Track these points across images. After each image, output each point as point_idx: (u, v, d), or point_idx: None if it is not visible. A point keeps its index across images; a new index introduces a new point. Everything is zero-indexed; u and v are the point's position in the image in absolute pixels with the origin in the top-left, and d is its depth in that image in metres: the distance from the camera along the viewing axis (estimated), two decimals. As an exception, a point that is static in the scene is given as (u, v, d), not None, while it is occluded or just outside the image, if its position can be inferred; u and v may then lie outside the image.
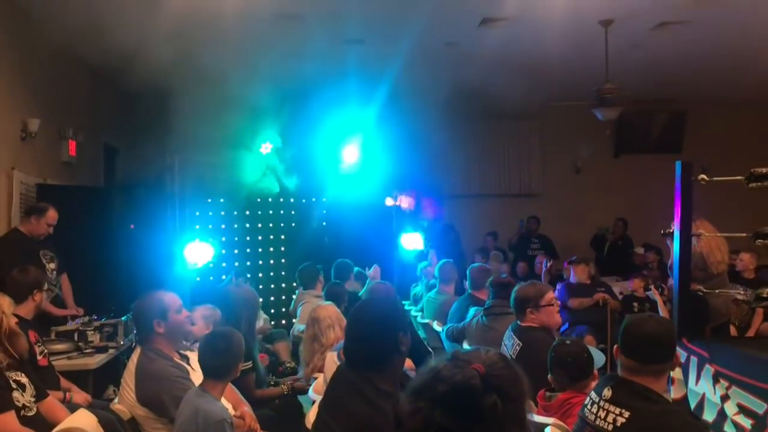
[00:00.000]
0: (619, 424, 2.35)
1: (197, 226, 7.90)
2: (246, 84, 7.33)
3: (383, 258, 8.52)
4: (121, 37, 6.02)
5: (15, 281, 4.27)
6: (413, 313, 6.74)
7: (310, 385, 3.77)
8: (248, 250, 8.77)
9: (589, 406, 2.50)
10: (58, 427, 2.93)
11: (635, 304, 6.97)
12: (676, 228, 4.75)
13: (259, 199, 8.89)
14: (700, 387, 4.52)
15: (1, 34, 6.02)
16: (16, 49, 6.29)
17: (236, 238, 8.68)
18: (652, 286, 6.85)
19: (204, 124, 6.87)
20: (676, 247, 4.75)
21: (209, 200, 8.15)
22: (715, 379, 4.32)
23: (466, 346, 4.70)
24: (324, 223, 9.56)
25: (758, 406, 3.91)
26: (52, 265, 5.52)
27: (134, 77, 6.54)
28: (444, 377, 1.40)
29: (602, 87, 7.12)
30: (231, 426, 2.88)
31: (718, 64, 8.45)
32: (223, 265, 8.06)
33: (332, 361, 3.17)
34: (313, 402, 3.16)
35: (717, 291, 5.71)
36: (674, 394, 4.78)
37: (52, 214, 5.41)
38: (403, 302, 7.58)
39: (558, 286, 7.16)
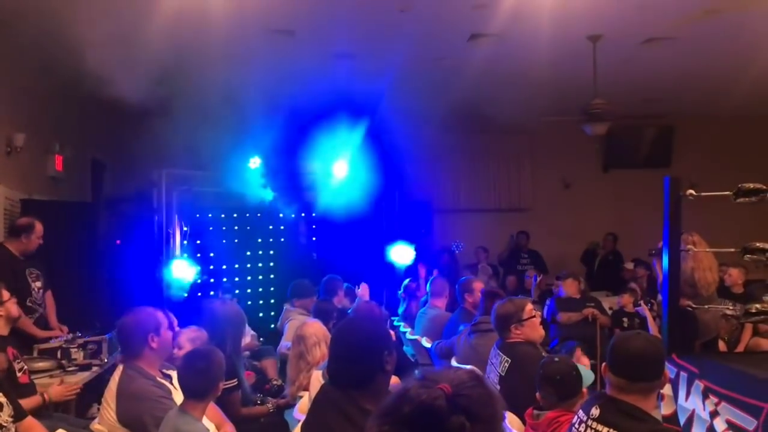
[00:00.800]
0: (607, 443, 2.32)
1: (185, 242, 7.85)
2: (235, 99, 7.32)
3: (373, 274, 8.50)
4: (109, 52, 5.98)
5: None
6: (401, 329, 6.69)
7: (295, 403, 3.72)
8: (236, 266, 8.72)
9: (577, 425, 2.47)
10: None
11: (625, 319, 6.96)
12: (664, 243, 4.75)
13: (247, 214, 8.86)
14: (690, 403, 4.49)
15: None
16: (0, 64, 6.25)
17: (224, 254, 8.63)
18: (641, 302, 6.85)
19: (192, 139, 6.83)
20: (665, 262, 4.75)
21: (197, 215, 8.10)
22: (705, 395, 4.29)
23: (454, 363, 4.66)
24: (313, 239, 9.54)
25: (748, 422, 3.88)
26: (38, 284, 5.44)
27: (122, 92, 6.49)
28: (409, 398, 1.33)
29: (591, 102, 7.13)
30: (212, 447, 2.83)
31: (706, 80, 8.49)
32: (211, 281, 8.01)
33: (317, 379, 3.13)
34: (299, 421, 3.11)
35: (706, 306, 5.71)
36: (664, 410, 4.75)
37: (39, 228, 5.36)
38: (392, 318, 7.54)
39: (548, 302, 7.15)
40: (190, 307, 5.31)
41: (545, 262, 10.16)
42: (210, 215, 8.41)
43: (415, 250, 8.78)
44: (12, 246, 5.31)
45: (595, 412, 2.41)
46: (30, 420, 3.39)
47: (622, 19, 6.25)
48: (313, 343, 3.82)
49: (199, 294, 7.42)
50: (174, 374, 3.39)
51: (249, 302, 8.59)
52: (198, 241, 8.09)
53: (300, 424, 2.71)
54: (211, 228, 8.50)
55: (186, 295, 7.22)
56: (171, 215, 7.57)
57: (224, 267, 8.54)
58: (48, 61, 6.81)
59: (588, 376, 3.18)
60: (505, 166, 11.47)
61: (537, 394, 3.16)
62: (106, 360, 4.91)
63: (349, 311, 5.86)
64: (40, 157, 7.14)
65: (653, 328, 6.43)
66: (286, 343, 5.24)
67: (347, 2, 5.83)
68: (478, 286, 5.66)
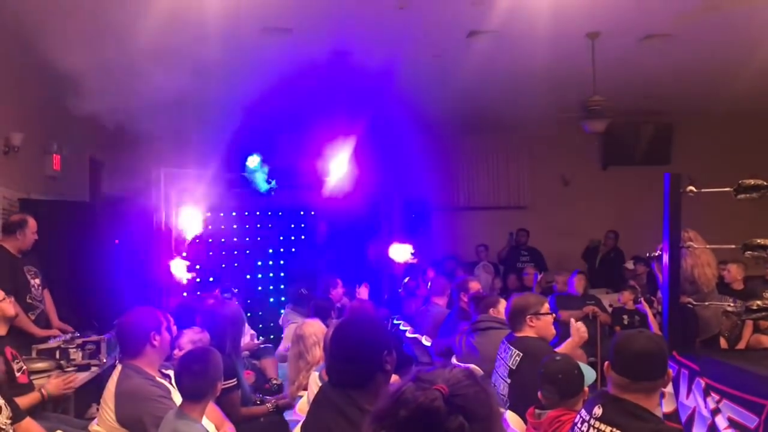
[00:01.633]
0: (609, 442, 2.30)
1: (185, 241, 7.83)
2: (233, 96, 7.29)
3: (374, 272, 8.49)
4: (105, 50, 5.95)
5: None
6: (401, 328, 6.68)
7: (295, 403, 3.70)
8: (236, 265, 8.70)
9: (579, 425, 2.45)
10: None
11: (625, 316, 6.96)
12: (665, 240, 4.74)
13: (246, 213, 8.84)
14: (691, 401, 4.48)
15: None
16: (-2, 63, 6.23)
17: (223, 253, 8.62)
18: (641, 299, 6.85)
19: (191, 136, 6.81)
20: (665, 259, 4.74)
21: (197, 214, 8.08)
22: (706, 393, 4.28)
23: (454, 361, 4.64)
24: (313, 237, 9.53)
25: (749, 419, 3.87)
26: (37, 281, 5.43)
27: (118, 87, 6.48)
28: (405, 401, 1.31)
29: (589, 99, 7.12)
30: (210, 448, 2.81)
31: (705, 77, 8.48)
32: (211, 279, 7.99)
33: (314, 382, 3.11)
34: (298, 421, 3.09)
35: (706, 303, 5.71)
36: (665, 407, 4.74)
37: (32, 223, 5.34)
38: (393, 317, 7.53)
39: (547, 299, 7.13)
40: (189, 307, 5.28)
41: (544, 260, 10.15)
42: (209, 214, 8.38)
43: (415, 248, 8.78)
44: (8, 244, 5.29)
45: (597, 411, 2.39)
46: (28, 421, 3.38)
47: (621, 16, 6.23)
48: (312, 343, 3.80)
49: (198, 293, 7.40)
50: (173, 373, 3.37)
51: (248, 301, 8.59)
52: (197, 241, 8.07)
53: (299, 425, 2.69)
54: (210, 227, 8.48)
55: (186, 294, 7.21)
56: (170, 214, 7.55)
57: (223, 266, 8.53)
58: (45, 61, 6.78)
59: (590, 374, 3.16)
60: (504, 164, 11.46)
61: (539, 393, 3.14)
62: (104, 360, 4.90)
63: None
64: (38, 157, 7.11)
65: (653, 325, 6.42)
66: (285, 344, 5.23)
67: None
68: (475, 285, 5.65)
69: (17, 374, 3.93)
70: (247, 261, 8.80)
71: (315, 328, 3.94)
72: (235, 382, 3.95)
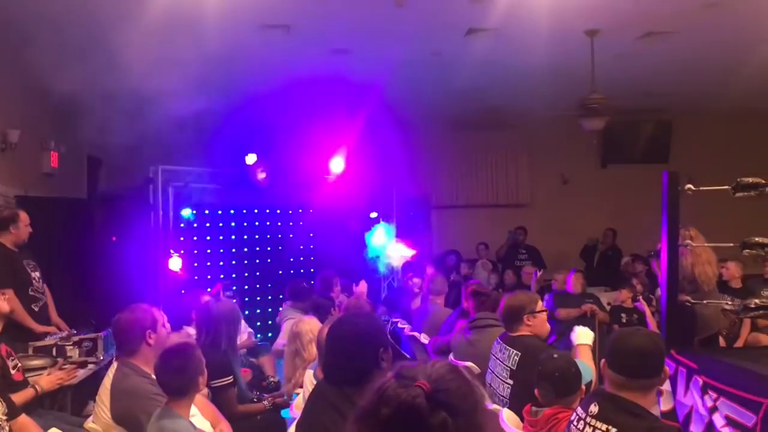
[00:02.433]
0: (606, 441, 2.29)
1: (182, 238, 7.82)
2: (230, 94, 7.27)
3: (370, 270, 8.47)
4: (103, 44, 5.94)
5: None
6: (400, 326, 6.67)
7: (292, 400, 3.69)
8: (233, 262, 8.69)
9: (575, 423, 2.44)
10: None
11: (623, 315, 6.94)
12: (663, 237, 4.73)
13: (244, 211, 8.82)
14: (689, 399, 4.47)
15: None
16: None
17: (221, 250, 8.60)
18: (639, 297, 6.84)
19: (188, 134, 6.79)
20: (664, 257, 4.73)
21: (194, 212, 8.07)
22: (704, 391, 4.27)
23: (451, 359, 4.63)
24: (311, 235, 9.52)
25: (747, 418, 3.86)
26: (37, 273, 5.43)
27: (116, 87, 6.46)
28: (387, 398, 1.29)
29: (588, 97, 7.10)
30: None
31: (704, 74, 8.47)
32: (209, 277, 7.98)
33: (309, 379, 3.10)
34: (295, 419, 3.08)
35: (705, 301, 5.70)
36: (663, 406, 4.74)
37: (24, 216, 5.33)
38: (391, 315, 7.52)
39: (546, 297, 7.13)
40: (185, 305, 5.28)
41: (543, 258, 10.15)
42: (207, 211, 8.37)
43: (414, 246, 8.77)
44: (4, 240, 5.28)
45: (593, 409, 2.38)
46: (23, 418, 3.37)
47: (620, 13, 6.21)
48: (308, 340, 3.79)
49: (194, 290, 7.39)
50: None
51: (246, 299, 8.58)
52: (195, 238, 8.06)
53: (295, 422, 2.68)
54: (208, 224, 8.47)
55: (183, 291, 7.20)
56: (167, 211, 7.53)
57: (221, 264, 8.52)
58: (39, 57, 6.77)
59: (587, 372, 3.15)
60: (504, 162, 11.45)
61: (535, 391, 3.13)
62: (101, 357, 4.89)
63: None
64: (35, 154, 7.10)
65: (651, 323, 6.42)
66: (281, 340, 5.22)
67: (343, -4, 5.80)
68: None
69: (12, 372, 3.92)
70: (245, 258, 8.78)
71: (311, 326, 3.93)
72: (231, 380, 3.94)
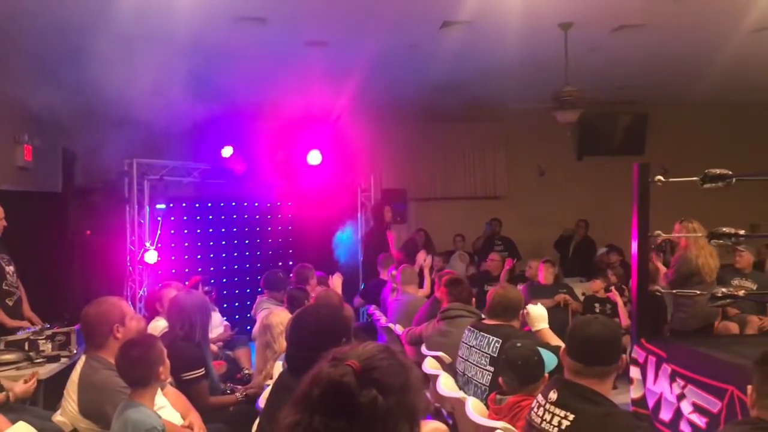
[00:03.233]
0: (563, 426, 2.34)
1: (158, 232, 7.80)
2: (206, 87, 7.24)
3: (347, 262, 8.50)
4: (75, 35, 5.89)
5: None
6: (376, 317, 6.71)
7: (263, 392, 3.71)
8: (211, 256, 8.68)
9: (535, 409, 2.49)
10: (-4, 441, 2.84)
11: (596, 305, 7.02)
12: (634, 228, 4.80)
13: (222, 204, 8.81)
14: (658, 386, 4.55)
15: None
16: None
17: (199, 243, 8.59)
18: (612, 287, 6.92)
19: (164, 127, 6.76)
20: (634, 247, 4.80)
21: (171, 205, 8.05)
22: (672, 379, 4.35)
23: (424, 349, 4.67)
24: (290, 228, 9.52)
25: (712, 404, 3.95)
26: (11, 268, 5.39)
27: (91, 78, 6.41)
28: (318, 379, 1.32)
29: (562, 90, 7.15)
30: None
31: (677, 67, 8.55)
32: (186, 270, 7.97)
33: (278, 371, 3.12)
34: (264, 410, 3.11)
35: (674, 291, 5.80)
36: (633, 393, 4.82)
37: None
38: (368, 306, 7.55)
39: (520, 287, 7.19)
40: (156, 297, 5.28)
41: (518, 249, 10.23)
42: (184, 204, 8.35)
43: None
44: None
45: (553, 396, 2.43)
46: (-7, 412, 3.36)
47: (592, 6, 6.25)
48: (279, 333, 3.80)
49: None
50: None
51: (225, 292, 8.58)
52: (172, 231, 8.04)
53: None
54: (185, 218, 8.45)
55: (160, 285, 7.19)
56: (143, 205, 7.51)
57: (199, 257, 8.51)
58: (12, 50, 6.70)
59: (551, 360, 3.20)
60: (481, 154, 11.50)
61: (499, 379, 3.18)
62: (75, 351, 4.86)
63: None
64: (9, 147, 7.04)
65: (623, 313, 6.51)
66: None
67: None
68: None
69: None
70: (222, 251, 8.77)
71: (282, 318, 3.94)
72: (204, 372, 3.95)
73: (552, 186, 11.43)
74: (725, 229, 4.52)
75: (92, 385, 3.12)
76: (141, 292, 7.10)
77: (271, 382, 3.69)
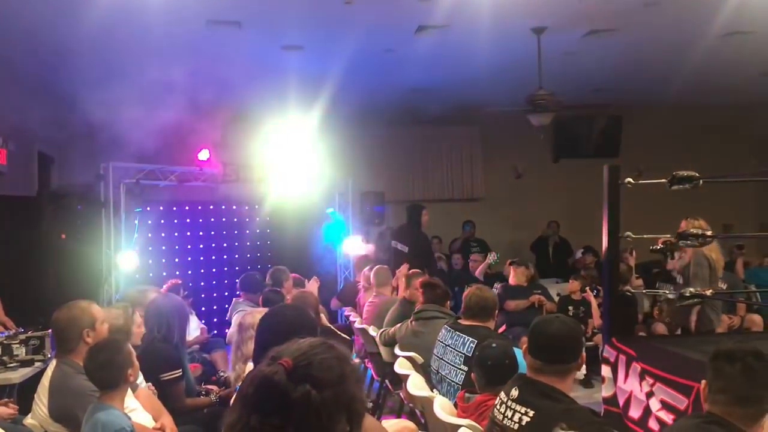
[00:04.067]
0: (524, 423, 2.39)
1: (135, 236, 7.77)
2: (182, 90, 7.23)
3: (324, 265, 8.53)
4: (49, 39, 5.87)
5: None
6: (351, 319, 6.74)
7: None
8: (189, 258, 8.67)
9: (498, 406, 2.55)
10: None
11: (570, 307, 7.10)
12: (604, 229, 4.87)
13: (200, 207, 8.80)
14: (629, 385, 4.62)
15: None
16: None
17: (176, 247, 8.57)
18: (587, 288, 7.01)
19: (140, 130, 6.75)
20: (604, 247, 4.87)
21: (148, 208, 8.03)
22: (641, 377, 4.43)
23: (397, 350, 4.72)
24: (268, 231, 9.53)
25: (679, 401, 4.02)
26: None
27: (66, 82, 6.40)
28: (252, 378, 1.34)
29: (535, 93, 7.24)
30: (132, 432, 2.85)
31: (648, 70, 8.70)
32: (164, 274, 7.95)
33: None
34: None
35: (645, 291, 5.90)
36: (604, 392, 4.89)
37: None
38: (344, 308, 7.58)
39: (496, 286, 7.27)
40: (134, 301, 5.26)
41: (492, 249, 10.31)
42: (161, 208, 8.33)
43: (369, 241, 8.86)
44: None
45: (514, 393, 2.49)
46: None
47: (564, 11, 6.35)
48: (249, 336, 3.82)
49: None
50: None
51: (203, 295, 8.57)
52: (149, 234, 8.02)
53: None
54: (162, 221, 8.43)
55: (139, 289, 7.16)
56: (119, 208, 7.49)
57: (176, 260, 8.49)
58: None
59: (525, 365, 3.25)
60: (458, 157, 11.58)
61: (472, 375, 3.23)
62: (49, 356, 4.84)
63: None
64: (-18, 151, 7.00)
65: (596, 314, 6.60)
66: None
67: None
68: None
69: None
70: (199, 254, 8.76)
71: (255, 319, 3.96)
72: (180, 373, 3.98)
73: (529, 188, 11.53)
74: (692, 230, 4.62)
75: (63, 389, 3.12)
76: (117, 297, 7.08)
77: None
